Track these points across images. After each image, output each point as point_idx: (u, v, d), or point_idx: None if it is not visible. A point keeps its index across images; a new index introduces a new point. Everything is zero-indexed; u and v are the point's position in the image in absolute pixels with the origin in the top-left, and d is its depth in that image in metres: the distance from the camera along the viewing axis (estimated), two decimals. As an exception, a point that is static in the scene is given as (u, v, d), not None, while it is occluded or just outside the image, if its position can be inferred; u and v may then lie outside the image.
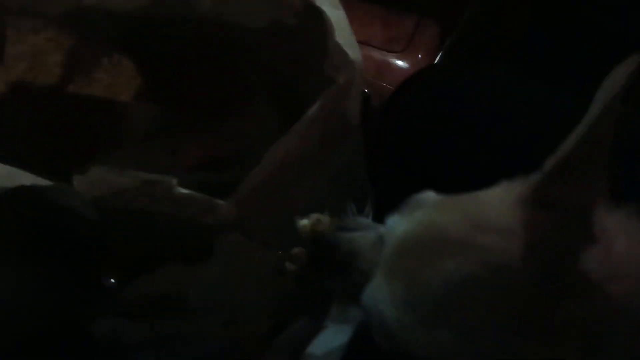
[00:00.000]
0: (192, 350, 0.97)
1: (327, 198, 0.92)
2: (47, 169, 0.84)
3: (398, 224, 0.72)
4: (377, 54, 1.19)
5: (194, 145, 1.10)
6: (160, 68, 1.09)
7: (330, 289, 0.94)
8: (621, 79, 0.60)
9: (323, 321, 0.99)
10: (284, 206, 0.89)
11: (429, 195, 0.73)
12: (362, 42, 1.00)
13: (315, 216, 0.79)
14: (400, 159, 1.02)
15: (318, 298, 0.97)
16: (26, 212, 0.79)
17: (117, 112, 1.06)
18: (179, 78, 1.10)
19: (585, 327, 0.62)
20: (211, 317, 0.93)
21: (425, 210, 0.70)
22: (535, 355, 0.63)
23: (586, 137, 0.62)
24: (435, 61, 1.26)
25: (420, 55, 1.23)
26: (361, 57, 0.85)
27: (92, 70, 1.02)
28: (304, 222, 0.79)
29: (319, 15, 0.88)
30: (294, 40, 0.97)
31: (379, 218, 0.78)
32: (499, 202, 0.67)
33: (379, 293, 0.70)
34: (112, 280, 0.95)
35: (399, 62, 1.22)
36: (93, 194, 0.77)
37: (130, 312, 0.93)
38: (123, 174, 0.77)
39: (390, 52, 1.23)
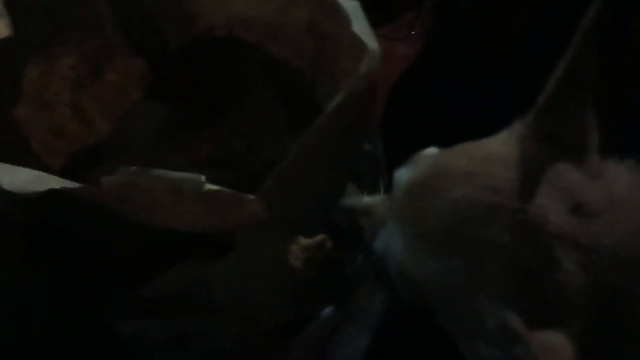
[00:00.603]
0: (214, 346, 0.96)
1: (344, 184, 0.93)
2: (61, 173, 0.83)
3: (404, 174, 0.74)
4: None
5: (203, 141, 1.10)
6: (165, 66, 1.09)
7: (353, 275, 0.95)
8: (591, 16, 0.64)
9: (346, 313, 0.98)
10: (307, 197, 0.89)
11: (432, 149, 0.76)
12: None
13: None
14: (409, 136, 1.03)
15: (341, 288, 0.97)
16: (54, 213, 0.78)
17: (127, 113, 1.05)
18: (183, 75, 1.10)
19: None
20: (232, 312, 0.93)
21: (430, 158, 0.73)
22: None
23: (567, 72, 0.66)
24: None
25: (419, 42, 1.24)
26: (378, 47, 0.86)
27: (103, 72, 1.01)
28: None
29: (332, 6, 0.88)
30: (304, 32, 0.97)
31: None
32: (502, 141, 0.71)
33: (391, 235, 0.72)
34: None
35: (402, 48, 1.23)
36: (121, 194, 0.76)
37: (154, 311, 0.93)
38: (151, 174, 0.76)
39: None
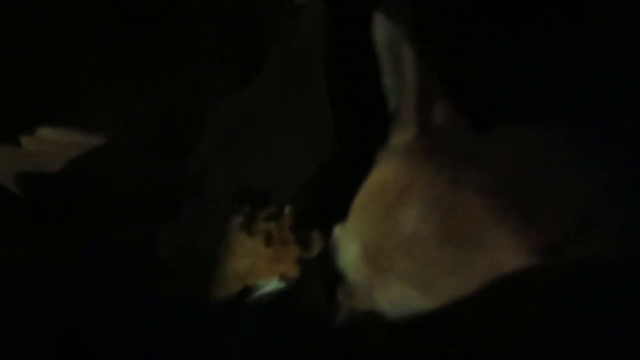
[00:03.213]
0: (158, 306, 0.93)
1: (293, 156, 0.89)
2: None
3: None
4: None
5: (146, 101, 1.06)
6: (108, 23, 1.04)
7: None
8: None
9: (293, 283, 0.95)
10: (248, 163, 0.85)
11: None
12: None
13: None
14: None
15: (289, 259, 0.93)
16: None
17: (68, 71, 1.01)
18: (126, 32, 1.05)
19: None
20: (179, 274, 0.92)
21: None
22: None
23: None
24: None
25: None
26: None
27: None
28: None
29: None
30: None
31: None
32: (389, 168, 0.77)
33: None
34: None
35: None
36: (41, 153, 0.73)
37: (98, 267, 0.92)
38: (70, 134, 0.73)
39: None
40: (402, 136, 0.74)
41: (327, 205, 0.88)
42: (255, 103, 0.90)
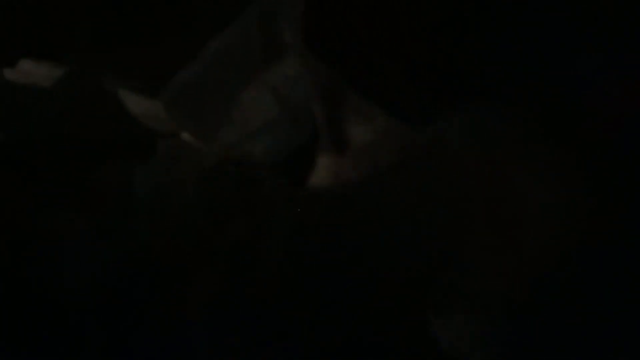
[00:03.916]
0: (131, 244, 0.94)
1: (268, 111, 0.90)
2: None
3: None
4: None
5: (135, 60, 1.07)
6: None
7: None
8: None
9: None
10: (220, 110, 0.89)
11: None
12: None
13: None
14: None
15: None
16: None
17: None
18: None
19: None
20: (152, 215, 0.93)
21: None
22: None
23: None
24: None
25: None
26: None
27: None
28: None
29: None
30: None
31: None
32: None
33: None
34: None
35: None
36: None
37: (69, 207, 0.93)
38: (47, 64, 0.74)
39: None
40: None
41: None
42: (234, 49, 0.93)
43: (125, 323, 0.87)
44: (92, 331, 0.87)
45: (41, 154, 0.94)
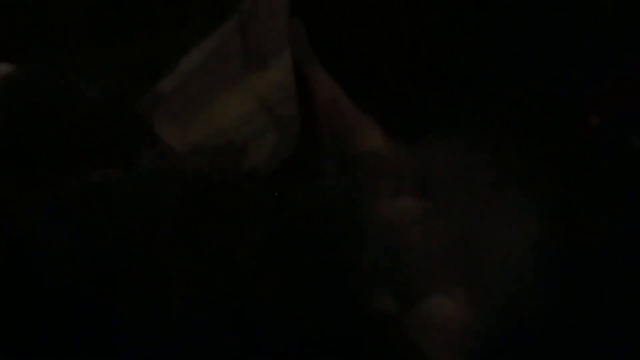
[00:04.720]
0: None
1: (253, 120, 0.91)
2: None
3: None
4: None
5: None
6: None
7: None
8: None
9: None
10: (203, 119, 0.90)
11: None
12: None
13: None
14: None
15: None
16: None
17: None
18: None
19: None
20: (132, 222, 0.92)
21: None
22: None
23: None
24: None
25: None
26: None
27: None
28: None
29: None
30: None
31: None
32: None
33: None
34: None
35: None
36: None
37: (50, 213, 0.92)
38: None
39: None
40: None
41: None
42: (216, 56, 0.92)
43: (108, 319, 0.86)
44: (75, 328, 0.86)
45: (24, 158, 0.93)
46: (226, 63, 0.93)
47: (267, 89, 0.93)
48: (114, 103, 0.97)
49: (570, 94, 0.84)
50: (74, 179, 0.92)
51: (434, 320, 0.67)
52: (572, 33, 0.86)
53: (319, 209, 0.82)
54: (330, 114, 0.82)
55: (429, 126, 0.78)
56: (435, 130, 0.78)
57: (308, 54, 0.90)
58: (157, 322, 0.84)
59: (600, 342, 0.68)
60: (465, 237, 0.71)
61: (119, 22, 1.06)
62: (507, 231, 0.71)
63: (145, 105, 0.92)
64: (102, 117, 0.96)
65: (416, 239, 0.72)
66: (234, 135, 0.93)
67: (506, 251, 0.71)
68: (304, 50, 0.90)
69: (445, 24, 0.85)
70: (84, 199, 0.92)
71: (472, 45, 0.83)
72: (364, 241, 0.73)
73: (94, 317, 0.85)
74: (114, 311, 0.84)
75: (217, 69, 0.93)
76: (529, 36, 0.85)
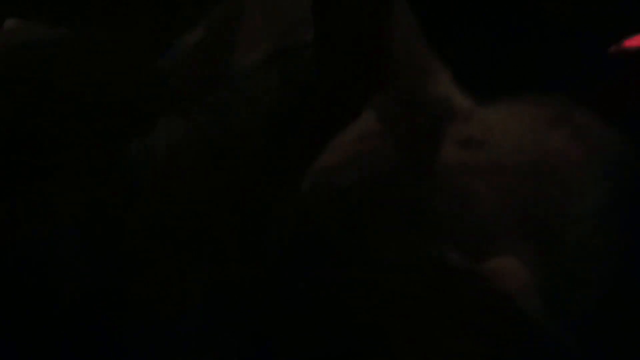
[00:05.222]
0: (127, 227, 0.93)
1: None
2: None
3: None
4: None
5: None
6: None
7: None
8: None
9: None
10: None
11: None
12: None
13: None
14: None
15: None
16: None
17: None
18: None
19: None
20: (150, 193, 0.91)
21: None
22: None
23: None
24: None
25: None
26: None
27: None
28: None
29: None
30: None
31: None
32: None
33: None
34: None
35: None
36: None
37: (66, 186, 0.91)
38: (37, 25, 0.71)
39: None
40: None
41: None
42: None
43: (120, 316, 0.86)
44: (85, 325, 0.87)
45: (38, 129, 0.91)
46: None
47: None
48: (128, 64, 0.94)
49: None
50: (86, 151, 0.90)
51: (500, 279, 0.63)
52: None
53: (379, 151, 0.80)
54: (405, 52, 0.79)
55: (501, 82, 0.78)
56: (507, 87, 0.77)
57: None
58: (170, 327, 0.85)
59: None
60: (532, 196, 0.68)
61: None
62: (576, 196, 0.70)
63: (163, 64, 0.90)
64: (116, 80, 0.94)
65: (481, 190, 0.69)
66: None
67: (574, 215, 0.70)
68: None
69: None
70: (99, 170, 0.91)
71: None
72: (428, 187, 0.70)
73: (107, 318, 0.85)
74: (127, 312, 0.85)
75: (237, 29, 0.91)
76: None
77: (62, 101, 0.91)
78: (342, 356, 0.76)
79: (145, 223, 0.91)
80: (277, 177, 0.89)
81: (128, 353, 0.84)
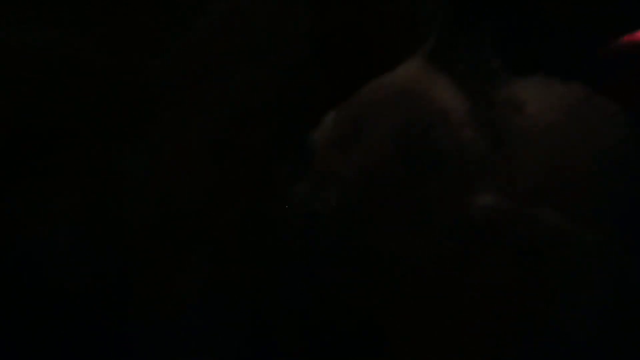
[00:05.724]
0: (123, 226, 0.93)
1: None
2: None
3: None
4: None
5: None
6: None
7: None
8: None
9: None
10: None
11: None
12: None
13: None
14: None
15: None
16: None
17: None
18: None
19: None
20: (144, 195, 0.92)
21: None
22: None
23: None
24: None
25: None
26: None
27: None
28: None
29: None
30: None
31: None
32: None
33: None
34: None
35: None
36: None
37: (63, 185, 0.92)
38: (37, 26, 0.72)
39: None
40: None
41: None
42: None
43: (120, 315, 0.86)
44: (86, 324, 0.87)
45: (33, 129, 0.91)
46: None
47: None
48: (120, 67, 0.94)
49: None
50: (83, 152, 0.90)
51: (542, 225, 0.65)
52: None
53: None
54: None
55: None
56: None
57: None
58: (170, 326, 0.86)
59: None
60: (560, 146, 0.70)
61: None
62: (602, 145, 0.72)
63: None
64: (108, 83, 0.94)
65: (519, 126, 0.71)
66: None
67: (599, 164, 0.72)
68: None
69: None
70: (94, 170, 0.91)
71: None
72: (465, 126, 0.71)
73: (107, 317, 0.85)
74: (127, 311, 0.85)
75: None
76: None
77: (62, 101, 0.91)
78: (342, 356, 0.76)
79: (145, 222, 0.91)
80: (277, 175, 0.89)
81: (128, 352, 0.84)
